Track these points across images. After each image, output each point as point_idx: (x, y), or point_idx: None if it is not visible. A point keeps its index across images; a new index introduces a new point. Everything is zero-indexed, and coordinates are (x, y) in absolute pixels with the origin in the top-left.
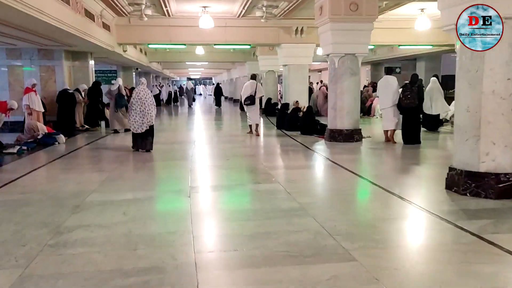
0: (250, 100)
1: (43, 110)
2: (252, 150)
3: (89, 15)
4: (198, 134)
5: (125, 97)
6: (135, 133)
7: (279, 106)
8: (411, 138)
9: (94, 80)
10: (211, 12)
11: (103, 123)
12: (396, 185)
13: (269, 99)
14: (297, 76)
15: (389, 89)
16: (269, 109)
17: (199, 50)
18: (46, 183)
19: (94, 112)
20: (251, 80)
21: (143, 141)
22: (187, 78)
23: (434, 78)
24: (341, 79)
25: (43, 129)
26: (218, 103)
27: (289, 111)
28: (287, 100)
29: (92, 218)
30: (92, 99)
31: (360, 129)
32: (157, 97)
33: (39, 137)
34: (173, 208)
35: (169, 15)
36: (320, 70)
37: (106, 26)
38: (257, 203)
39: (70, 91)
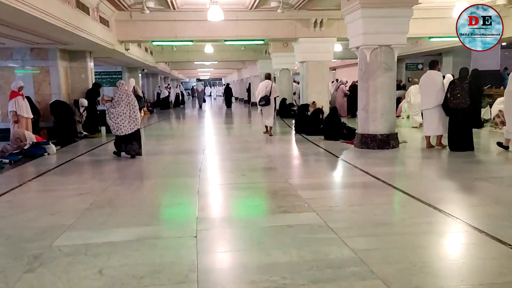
0: (265, 100)
1: (31, 116)
2: (271, 161)
3: (83, 7)
4: (208, 140)
5: (143, 98)
6: (119, 137)
7: (295, 108)
8: (461, 143)
9: (93, 81)
10: (221, 3)
11: (103, 129)
12: (477, 216)
13: (283, 100)
14: (316, 74)
15: (433, 86)
16: (284, 110)
17: (208, 49)
18: (11, 215)
19: (93, 117)
20: (265, 80)
21: (128, 146)
22: (197, 79)
23: (449, 75)
24: (373, 75)
25: (31, 138)
26: (228, 104)
27: (309, 113)
28: (306, 100)
29: (51, 283)
30: (91, 103)
31: (397, 134)
32: (166, 100)
33: (26, 147)
34: (173, 260)
35: (174, 8)
36: (334, 68)
37: (104, 21)
38: (292, 250)
39: (62, 101)
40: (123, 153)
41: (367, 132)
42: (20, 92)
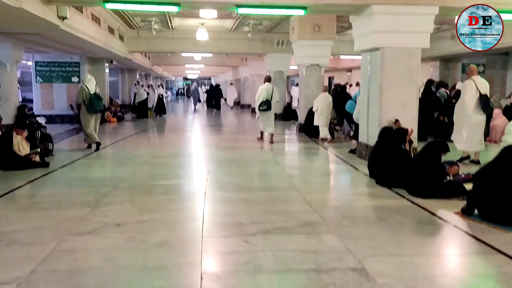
0: (267, 105)
1: None
2: None
3: None
4: (207, 206)
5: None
6: None
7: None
8: None
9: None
10: None
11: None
12: None
13: (311, 111)
14: (400, 71)
15: None
16: (314, 127)
17: (201, 34)
18: None
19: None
20: (266, 83)
21: None
22: (183, 78)
23: None
24: None
25: None
26: (216, 106)
27: (406, 146)
28: (381, 118)
29: None
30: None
31: None
32: (143, 104)
33: None
34: None
35: None
36: (350, 70)
37: None
38: None
39: None
40: None
41: None
42: None
